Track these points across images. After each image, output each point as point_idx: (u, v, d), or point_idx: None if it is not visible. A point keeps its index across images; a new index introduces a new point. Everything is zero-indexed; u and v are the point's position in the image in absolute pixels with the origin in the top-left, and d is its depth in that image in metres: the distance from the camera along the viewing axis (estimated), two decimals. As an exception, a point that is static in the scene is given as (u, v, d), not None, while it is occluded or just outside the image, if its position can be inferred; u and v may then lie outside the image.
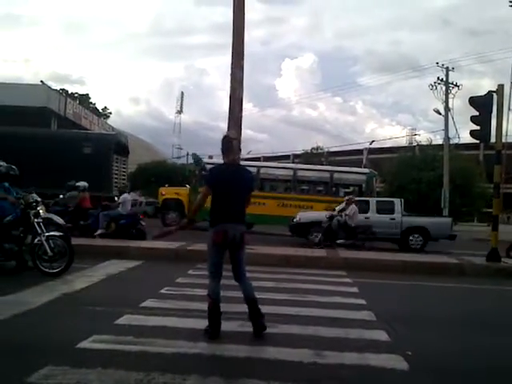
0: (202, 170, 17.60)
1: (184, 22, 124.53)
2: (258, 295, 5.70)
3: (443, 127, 26.35)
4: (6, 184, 6.91)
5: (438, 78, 26.62)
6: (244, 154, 16.25)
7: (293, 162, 40.84)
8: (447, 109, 26.03)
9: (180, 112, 61.58)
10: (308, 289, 6.34)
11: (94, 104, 56.62)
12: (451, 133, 26.06)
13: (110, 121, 49.38)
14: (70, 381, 2.92)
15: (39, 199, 6.93)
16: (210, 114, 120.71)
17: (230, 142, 4.32)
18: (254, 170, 18.65)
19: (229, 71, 9.79)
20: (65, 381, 2.92)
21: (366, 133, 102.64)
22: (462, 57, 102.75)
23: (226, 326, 4.15)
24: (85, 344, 3.67)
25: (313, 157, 43.83)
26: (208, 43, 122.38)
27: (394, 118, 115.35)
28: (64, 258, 6.68)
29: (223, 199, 4.18)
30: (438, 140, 31.81)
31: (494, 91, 9.41)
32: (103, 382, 2.94)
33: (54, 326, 4.30)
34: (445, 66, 26.66)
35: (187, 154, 48.97)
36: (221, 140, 4.36)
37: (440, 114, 26.44)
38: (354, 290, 6.56)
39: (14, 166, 7.10)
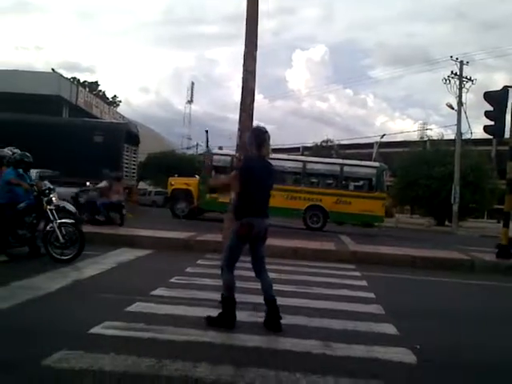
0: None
1: (196, 10, 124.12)
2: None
3: (455, 122, 26.09)
4: (20, 171, 6.99)
5: (452, 72, 26.31)
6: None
7: (302, 155, 40.69)
8: (460, 103, 25.75)
9: (190, 102, 61.48)
10: (316, 281, 6.36)
11: (104, 92, 56.76)
12: (463, 128, 25.79)
13: (119, 110, 49.48)
14: (83, 365, 2.98)
15: (52, 186, 7.02)
16: (219, 105, 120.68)
17: (265, 135, 4.23)
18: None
19: (239, 61, 9.76)
20: (79, 365, 2.98)
21: (377, 126, 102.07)
22: (477, 51, 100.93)
23: (236, 315, 4.17)
24: (97, 330, 3.74)
25: (323, 150, 43.66)
26: (219, 33, 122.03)
27: (405, 111, 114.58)
28: (75, 245, 6.77)
29: (254, 193, 4.10)
30: (450, 135, 31.52)
31: (509, 86, 9.29)
32: (116, 367, 2.99)
33: (67, 311, 4.37)
34: (459, 60, 26.33)
35: (196, 145, 49.15)
36: (252, 132, 4.31)
37: (453, 108, 26.16)
38: (363, 283, 6.57)
39: (28, 154, 7.16)
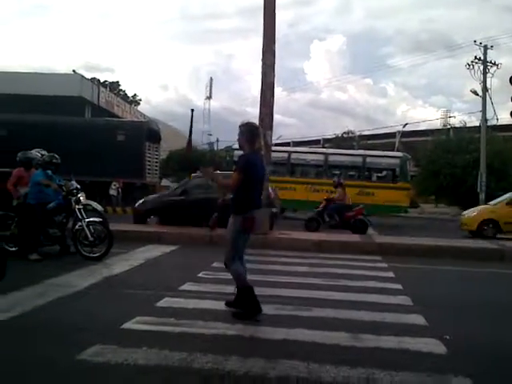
0: None
1: (212, 5, 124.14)
2: (291, 279, 5.80)
3: (480, 108, 25.40)
4: (49, 172, 7.18)
5: (476, 57, 25.61)
6: (274, 138, 16.16)
7: (323, 147, 40.40)
8: (485, 89, 25.06)
9: (209, 98, 61.58)
10: (343, 273, 6.35)
11: (124, 91, 57.39)
12: (489, 114, 25.06)
13: (139, 108, 50.01)
14: (118, 359, 3.07)
15: (79, 186, 7.19)
16: (238, 99, 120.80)
17: (257, 130, 4.35)
18: (285, 155, 18.68)
19: (257, 56, 9.75)
20: (114, 359, 3.07)
21: (398, 115, 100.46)
22: (501, 34, 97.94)
23: (262, 309, 4.21)
24: (129, 325, 3.83)
25: (344, 141, 43.25)
26: (236, 27, 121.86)
27: (428, 99, 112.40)
28: (104, 242, 6.92)
29: (254, 187, 4.25)
30: (474, 121, 30.77)
31: (536, 70, 9.03)
32: (149, 361, 3.07)
33: (98, 307, 4.49)
34: (482, 45, 25.60)
35: (217, 140, 49.33)
36: (243, 127, 4.30)
37: (477, 94, 25.49)
38: (390, 274, 6.52)
39: (56, 155, 7.34)
